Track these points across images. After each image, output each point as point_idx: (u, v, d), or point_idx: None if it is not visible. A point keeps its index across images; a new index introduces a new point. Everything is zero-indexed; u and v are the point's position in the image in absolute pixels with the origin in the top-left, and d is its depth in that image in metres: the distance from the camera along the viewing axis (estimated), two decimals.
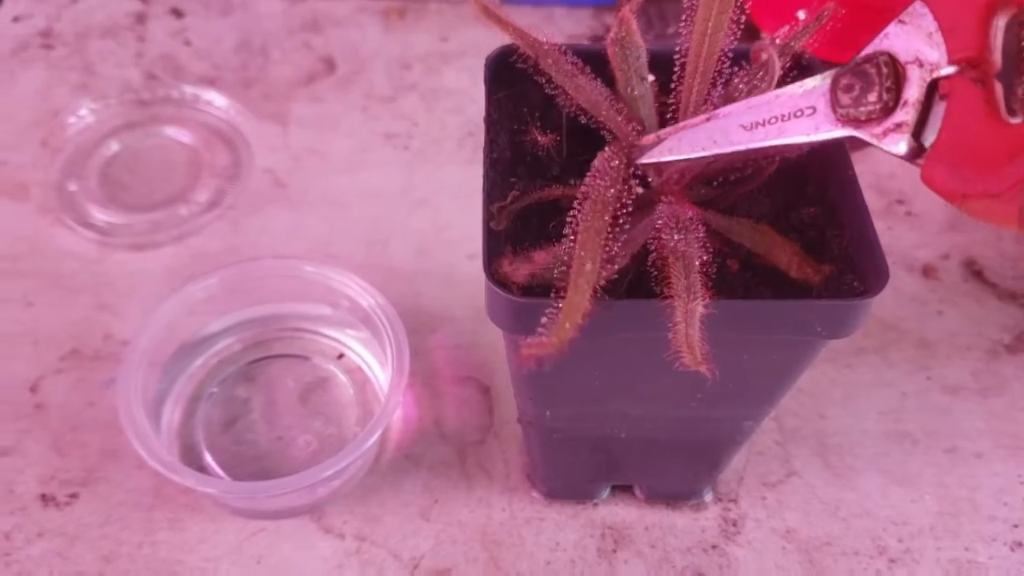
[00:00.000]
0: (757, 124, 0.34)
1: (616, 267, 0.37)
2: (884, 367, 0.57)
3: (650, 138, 0.38)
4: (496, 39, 0.72)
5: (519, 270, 0.37)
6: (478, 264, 0.60)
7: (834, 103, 0.31)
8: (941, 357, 0.57)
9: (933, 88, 0.29)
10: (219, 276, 0.52)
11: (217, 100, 0.67)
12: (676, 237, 0.37)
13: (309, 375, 0.55)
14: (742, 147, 0.34)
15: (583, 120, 0.42)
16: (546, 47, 0.42)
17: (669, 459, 0.48)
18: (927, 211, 0.64)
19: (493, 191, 0.40)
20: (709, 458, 0.48)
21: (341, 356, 0.54)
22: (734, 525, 0.51)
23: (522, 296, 0.35)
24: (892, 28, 0.29)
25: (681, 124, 0.37)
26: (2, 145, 0.66)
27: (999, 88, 0.27)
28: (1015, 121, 0.26)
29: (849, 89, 0.30)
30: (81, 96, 0.69)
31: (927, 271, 0.61)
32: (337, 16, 0.75)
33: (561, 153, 0.43)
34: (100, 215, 0.62)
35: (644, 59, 0.42)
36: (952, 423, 0.55)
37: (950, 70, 0.28)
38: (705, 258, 0.36)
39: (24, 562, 0.49)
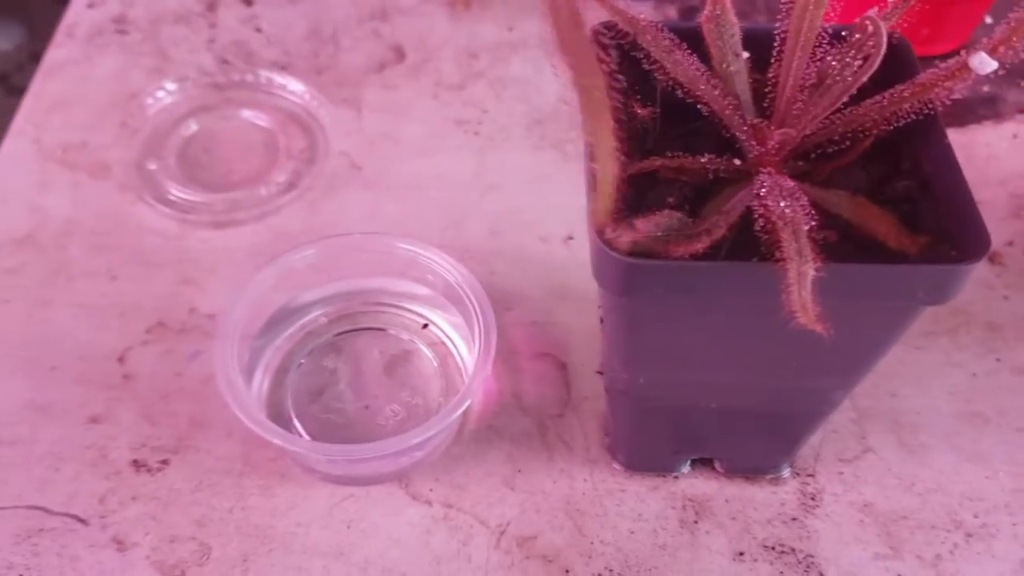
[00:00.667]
0: None
1: (714, 238, 0.38)
2: (954, 349, 0.58)
3: None
4: (545, 43, 0.74)
5: (622, 237, 0.38)
6: (550, 246, 0.62)
7: None
8: (1010, 340, 0.58)
9: None
10: (316, 248, 0.53)
11: (291, 84, 0.68)
12: (783, 204, 0.38)
13: (394, 347, 0.56)
14: None
15: (679, 94, 0.43)
16: (644, 24, 0.44)
17: (754, 431, 0.49)
18: (991, 199, 0.65)
19: None
20: (794, 430, 0.49)
21: (426, 326, 0.55)
22: (812, 499, 0.52)
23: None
24: None
25: None
26: (82, 126, 0.68)
27: None
28: None
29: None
30: (157, 79, 0.70)
31: (993, 257, 0.62)
32: (404, 5, 0.77)
33: (655, 128, 0.44)
34: (179, 193, 0.63)
35: (738, 36, 0.43)
36: (1023, 403, 0.55)
37: None
38: (812, 224, 0.37)
39: (120, 524, 0.50)
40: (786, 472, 0.53)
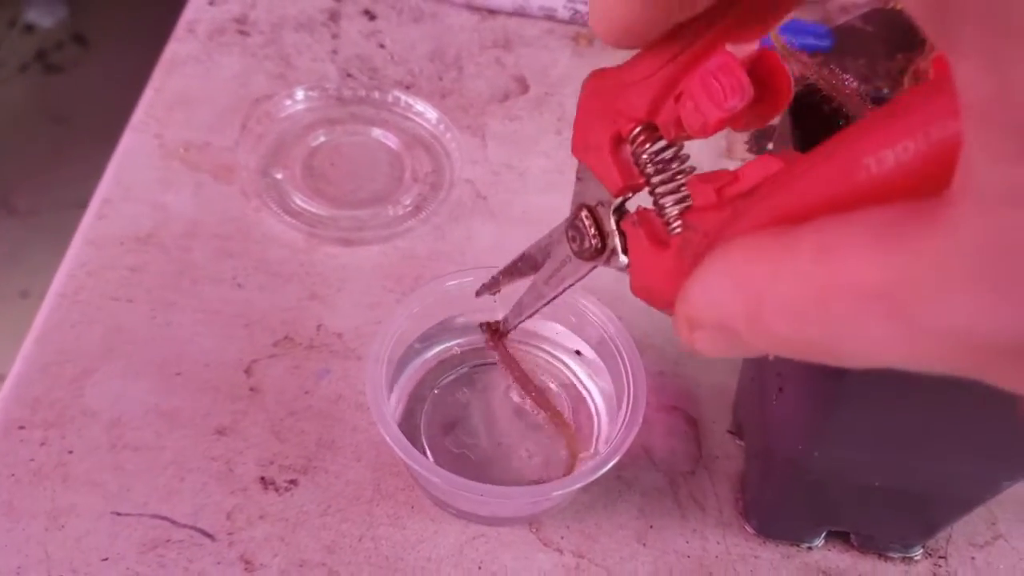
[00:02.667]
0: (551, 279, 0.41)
1: None
2: None
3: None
4: None
5: None
6: None
7: (571, 250, 0.36)
8: None
9: (619, 219, 0.33)
10: (473, 276, 0.52)
11: (418, 106, 0.68)
12: None
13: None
14: (549, 298, 0.42)
15: None
16: (848, 91, 0.43)
17: (905, 510, 0.49)
18: None
19: None
20: (947, 513, 0.49)
21: (578, 352, 0.55)
22: None
23: None
24: (576, 186, 0.34)
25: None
26: (205, 126, 0.67)
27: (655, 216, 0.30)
28: (668, 249, 0.29)
29: (573, 240, 0.36)
30: (280, 85, 0.69)
31: None
32: (527, 36, 0.76)
33: None
34: (305, 205, 0.62)
35: None
36: None
37: (616, 202, 0.33)
38: None
39: (248, 543, 0.49)
40: (918, 552, 0.52)
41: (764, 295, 0.20)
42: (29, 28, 2.07)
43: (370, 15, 0.76)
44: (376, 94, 0.68)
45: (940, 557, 0.52)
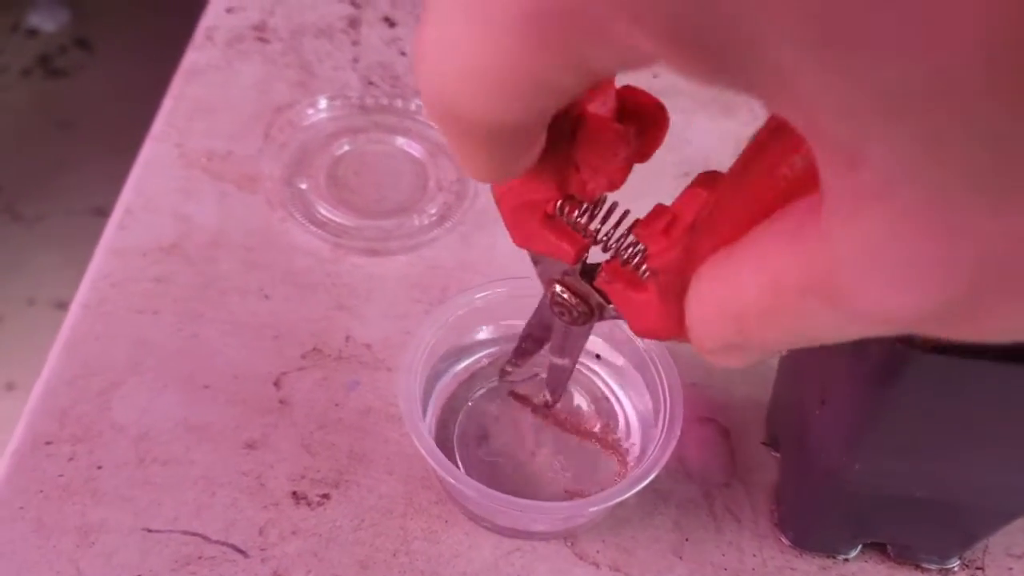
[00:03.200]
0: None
1: None
2: None
3: None
4: (695, 92, 0.73)
5: None
6: None
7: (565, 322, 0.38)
8: None
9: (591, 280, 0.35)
10: (506, 287, 0.52)
11: None
12: None
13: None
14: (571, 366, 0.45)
15: None
16: None
17: (946, 522, 0.48)
18: None
19: None
20: (987, 525, 0.48)
21: (598, 356, 0.54)
22: None
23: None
24: (536, 268, 0.37)
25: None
26: (228, 135, 0.66)
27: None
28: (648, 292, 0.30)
29: (561, 315, 0.38)
30: (301, 93, 0.69)
31: None
32: None
33: None
34: (330, 215, 0.62)
35: None
36: None
37: (578, 268, 0.35)
38: None
39: (281, 559, 0.48)
40: (955, 563, 0.52)
41: (740, 312, 0.22)
42: (32, 32, 2.07)
43: (390, 22, 0.76)
44: (399, 102, 0.68)
45: (977, 568, 0.52)
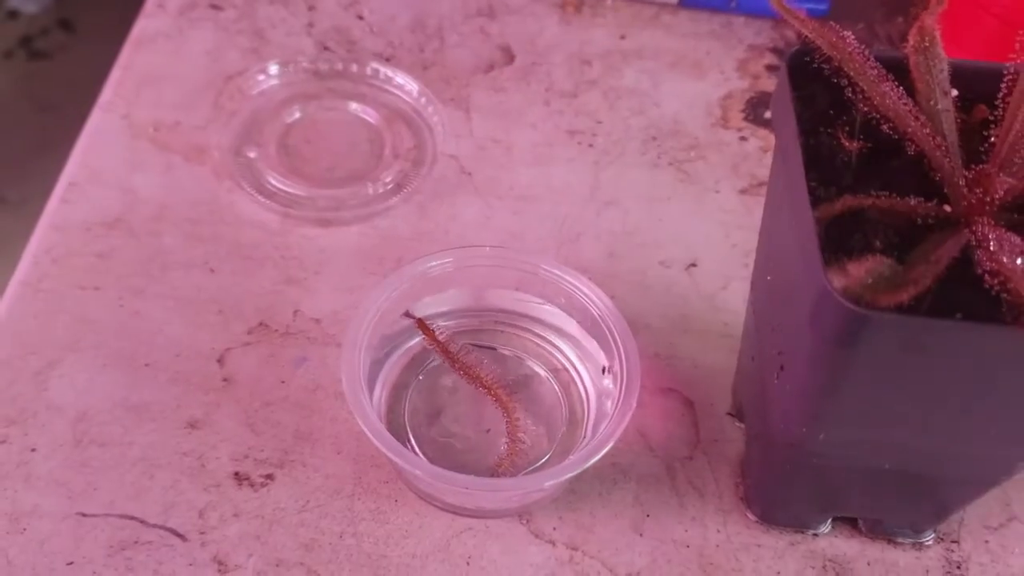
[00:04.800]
0: None
1: (919, 289, 0.35)
2: None
3: None
4: (672, 42, 0.71)
5: (834, 281, 0.35)
6: (671, 272, 0.58)
7: None
8: None
9: None
10: (452, 257, 0.49)
11: (399, 79, 0.65)
12: (1020, 262, 0.35)
13: (512, 370, 0.52)
14: None
15: (885, 129, 0.40)
16: (851, 50, 0.40)
17: (917, 494, 0.46)
18: None
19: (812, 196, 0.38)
20: (960, 496, 0.46)
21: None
22: (958, 567, 0.49)
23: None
24: None
25: None
26: (176, 105, 0.64)
27: None
28: None
29: None
30: (253, 61, 0.66)
31: None
32: (513, 4, 0.73)
33: (854, 162, 0.41)
34: (280, 185, 0.59)
35: (947, 72, 0.40)
36: None
37: None
38: None
39: (221, 542, 0.46)
40: (930, 537, 0.49)
41: None
42: (13, 14, 2.04)
43: None
44: (354, 67, 0.65)
45: (953, 541, 0.50)
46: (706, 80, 0.69)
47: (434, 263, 0.50)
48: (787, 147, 0.40)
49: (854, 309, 0.33)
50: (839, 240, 0.37)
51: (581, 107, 0.67)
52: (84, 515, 0.47)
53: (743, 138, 0.65)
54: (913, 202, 0.38)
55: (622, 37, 0.71)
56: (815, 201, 0.38)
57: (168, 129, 0.62)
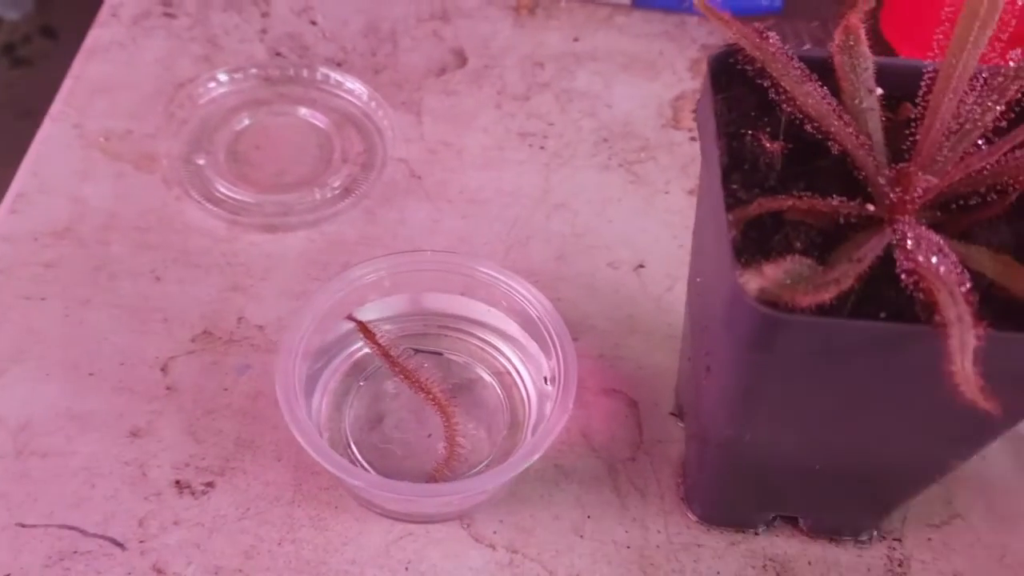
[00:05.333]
0: None
1: (842, 288, 0.35)
2: None
3: None
4: (626, 43, 0.71)
5: (749, 283, 0.35)
6: (619, 273, 0.58)
7: None
8: None
9: None
10: (388, 262, 0.49)
11: (349, 83, 0.65)
12: (935, 260, 0.35)
13: (456, 374, 0.53)
14: None
15: (805, 129, 0.40)
16: (773, 50, 0.41)
17: (852, 493, 0.46)
18: None
19: (728, 199, 0.38)
20: (896, 494, 0.46)
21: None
22: (900, 565, 0.49)
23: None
24: None
25: None
26: (127, 113, 0.64)
27: None
28: None
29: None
30: (206, 68, 0.66)
31: None
32: (466, 7, 0.73)
33: (777, 163, 0.41)
34: (228, 192, 0.60)
35: (872, 70, 0.40)
36: None
37: None
38: (968, 286, 0.34)
39: (161, 550, 0.47)
40: (872, 535, 0.49)
41: None
42: None
43: None
44: (304, 72, 0.66)
45: (895, 539, 0.50)
46: (659, 81, 0.69)
47: (376, 268, 0.50)
48: (707, 149, 0.40)
49: (764, 311, 0.33)
50: (760, 242, 0.37)
51: (533, 110, 0.67)
52: (23, 526, 0.47)
53: (694, 138, 0.65)
54: (835, 202, 0.38)
55: (575, 39, 0.72)
56: (735, 203, 0.38)
57: (119, 138, 0.63)
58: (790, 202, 0.38)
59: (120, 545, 0.47)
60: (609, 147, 0.65)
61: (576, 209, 0.61)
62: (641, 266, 0.59)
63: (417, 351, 0.53)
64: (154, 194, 0.60)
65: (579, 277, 0.58)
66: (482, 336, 0.53)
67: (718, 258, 0.37)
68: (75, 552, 0.46)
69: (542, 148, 0.64)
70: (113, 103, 0.65)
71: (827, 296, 0.34)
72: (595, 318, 0.57)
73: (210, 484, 0.49)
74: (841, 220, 0.38)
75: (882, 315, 0.34)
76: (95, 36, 0.69)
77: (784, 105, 0.40)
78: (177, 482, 0.49)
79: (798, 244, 0.38)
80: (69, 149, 0.62)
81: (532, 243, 0.59)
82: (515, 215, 0.61)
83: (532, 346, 0.51)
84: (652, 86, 0.69)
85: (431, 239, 0.59)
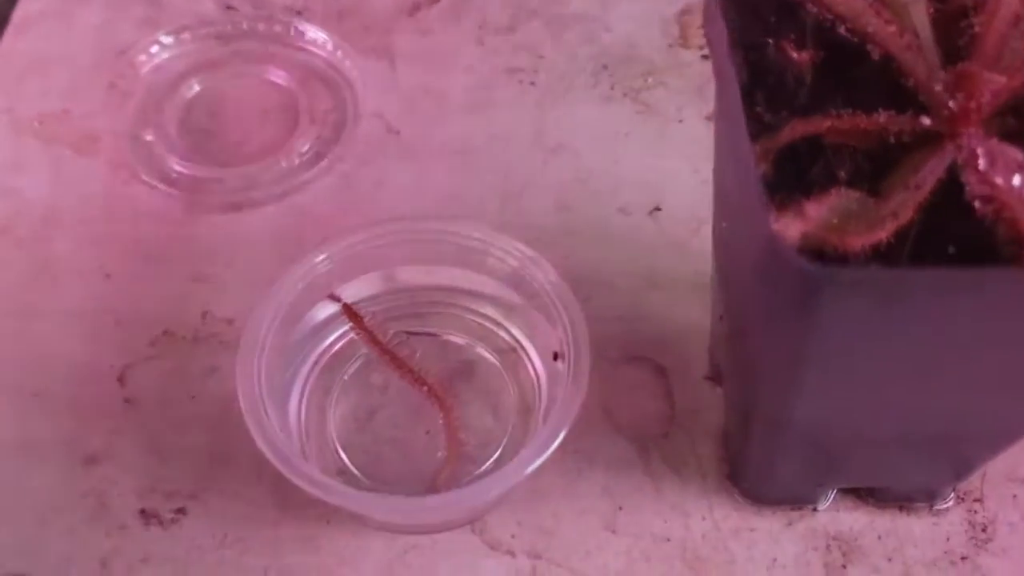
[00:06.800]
0: None
1: (901, 222, 0.28)
2: None
3: None
4: None
5: (787, 229, 0.28)
6: (633, 219, 0.51)
7: None
8: None
9: None
10: (362, 236, 0.43)
11: (311, 33, 0.58)
12: (1017, 181, 0.28)
13: (453, 357, 0.46)
14: None
15: (841, 31, 0.33)
16: None
17: (925, 457, 0.40)
18: None
19: (752, 125, 0.31)
20: (976, 455, 0.39)
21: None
22: (983, 531, 0.42)
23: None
24: None
25: None
26: (63, 92, 0.57)
27: None
28: None
29: None
30: (149, 32, 0.59)
31: None
32: None
33: (807, 76, 0.34)
34: (183, 169, 0.53)
35: None
36: None
37: None
38: None
39: None
40: (949, 499, 0.43)
41: None
42: None
43: None
44: (260, 26, 0.59)
45: (975, 500, 0.43)
46: None
47: (351, 242, 0.43)
48: (721, 67, 0.33)
49: (809, 268, 0.26)
50: (797, 175, 0.30)
51: (520, 42, 0.60)
52: None
53: (706, 56, 0.58)
54: (882, 117, 0.31)
55: None
56: (761, 130, 0.31)
57: (55, 120, 0.56)
58: (828, 122, 0.32)
59: None
60: (610, 75, 0.58)
61: (577, 150, 0.55)
62: (657, 209, 0.52)
63: (410, 334, 0.46)
64: (98, 179, 0.54)
65: (587, 228, 0.52)
66: (478, 310, 0.46)
67: (745, 200, 0.30)
68: None
69: (532, 84, 0.58)
70: (47, 81, 0.58)
71: (883, 234, 0.28)
72: (610, 274, 0.50)
73: (181, 510, 0.43)
74: (891, 139, 0.31)
75: (951, 250, 0.28)
76: (23, 8, 0.61)
77: (809, 4, 0.33)
78: (143, 511, 0.43)
79: (842, 173, 0.31)
80: (0, 138, 0.55)
81: (529, 194, 0.53)
82: (507, 164, 0.54)
83: (536, 316, 0.44)
84: (653, 2, 0.62)
85: (415, 202, 0.53)
